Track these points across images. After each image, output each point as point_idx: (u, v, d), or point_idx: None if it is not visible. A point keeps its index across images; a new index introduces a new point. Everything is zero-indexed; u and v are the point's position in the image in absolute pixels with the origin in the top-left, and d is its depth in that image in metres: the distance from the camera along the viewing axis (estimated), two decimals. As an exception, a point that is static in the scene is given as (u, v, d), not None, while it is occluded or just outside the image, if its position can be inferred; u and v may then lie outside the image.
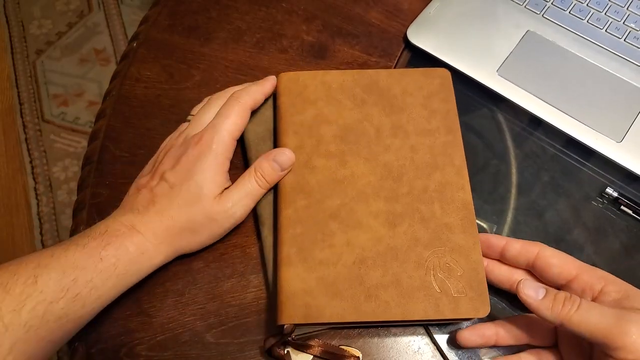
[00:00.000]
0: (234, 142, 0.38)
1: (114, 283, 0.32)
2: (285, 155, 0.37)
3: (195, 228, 0.35)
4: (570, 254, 0.34)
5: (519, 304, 0.38)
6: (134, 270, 0.33)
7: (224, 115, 0.37)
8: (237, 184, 0.37)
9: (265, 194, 0.38)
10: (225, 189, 0.36)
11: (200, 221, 0.35)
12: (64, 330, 0.31)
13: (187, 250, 0.37)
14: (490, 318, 0.37)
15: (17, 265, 0.30)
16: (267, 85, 0.41)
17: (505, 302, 0.38)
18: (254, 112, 0.41)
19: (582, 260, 0.34)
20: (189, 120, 0.40)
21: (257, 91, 0.40)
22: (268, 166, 0.37)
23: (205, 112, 0.39)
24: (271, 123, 0.42)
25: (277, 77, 0.42)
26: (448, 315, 0.33)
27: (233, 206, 0.36)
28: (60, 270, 0.30)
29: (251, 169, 0.37)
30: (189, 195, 0.35)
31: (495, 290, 0.37)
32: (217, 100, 0.39)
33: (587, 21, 0.48)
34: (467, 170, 0.38)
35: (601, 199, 0.42)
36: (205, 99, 0.41)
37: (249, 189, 0.36)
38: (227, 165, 0.37)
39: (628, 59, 0.46)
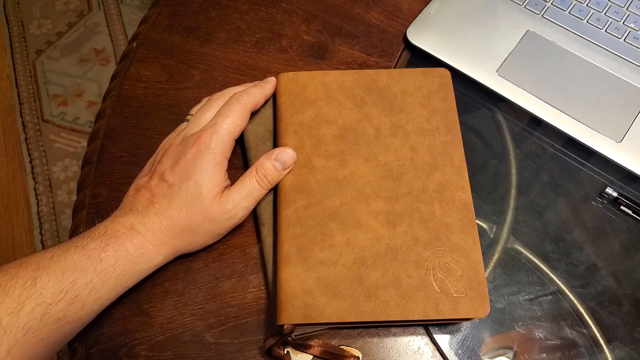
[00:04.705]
0: (233, 142, 0.38)
1: (113, 284, 0.32)
2: (287, 153, 0.37)
3: (195, 228, 0.35)
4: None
5: (519, 304, 0.38)
6: (134, 271, 0.33)
7: (223, 115, 0.37)
8: (238, 184, 0.36)
9: (266, 194, 0.38)
10: (225, 188, 0.36)
11: (199, 222, 0.35)
12: (63, 331, 0.31)
13: (187, 251, 0.37)
14: (490, 319, 0.37)
15: (17, 267, 0.30)
16: (267, 87, 0.41)
17: (506, 302, 0.38)
18: (253, 112, 0.41)
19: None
20: (187, 120, 0.40)
21: (258, 93, 0.40)
22: (270, 165, 0.37)
23: (205, 112, 0.39)
24: (271, 123, 0.41)
25: (276, 77, 0.42)
26: (448, 315, 0.33)
27: (234, 207, 0.36)
28: (59, 272, 0.30)
29: (252, 169, 0.37)
30: (188, 196, 0.35)
31: (496, 290, 0.37)
32: (216, 101, 0.39)
33: (587, 21, 0.48)
34: (466, 170, 0.38)
35: (601, 199, 0.42)
36: (204, 100, 0.41)
37: (250, 190, 0.36)
38: (225, 164, 0.37)
39: (628, 59, 0.46)
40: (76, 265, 0.31)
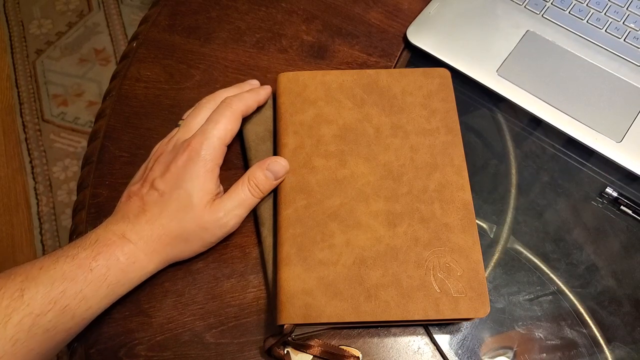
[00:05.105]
0: (224, 148, 0.37)
1: (104, 293, 0.32)
2: (279, 164, 0.37)
3: (187, 237, 0.35)
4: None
5: (519, 304, 0.38)
6: (126, 279, 0.33)
7: (214, 121, 0.36)
8: (230, 192, 0.36)
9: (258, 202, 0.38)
10: (217, 195, 0.36)
11: (191, 230, 0.35)
12: (54, 341, 0.31)
13: (180, 259, 0.36)
14: (490, 319, 0.37)
15: (5, 278, 0.30)
16: (262, 92, 0.40)
17: (506, 302, 0.38)
18: (253, 112, 0.41)
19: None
20: (179, 126, 0.39)
21: (250, 98, 0.39)
22: (261, 175, 0.36)
23: (195, 117, 0.38)
24: (271, 123, 0.42)
25: (277, 77, 0.42)
26: (448, 315, 0.33)
27: (225, 215, 0.35)
28: (48, 282, 0.30)
29: (244, 178, 0.37)
30: (179, 204, 0.34)
31: (496, 290, 0.37)
32: (205, 105, 0.39)
33: (587, 21, 0.48)
34: (467, 170, 0.38)
35: (601, 199, 0.42)
36: (196, 105, 0.41)
37: (242, 198, 0.36)
38: (217, 171, 0.36)
39: (628, 59, 0.46)
40: (66, 275, 0.31)
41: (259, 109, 0.41)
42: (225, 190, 0.37)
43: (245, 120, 0.40)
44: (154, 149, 0.39)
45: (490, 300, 0.34)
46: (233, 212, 0.36)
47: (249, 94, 0.39)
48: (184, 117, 0.40)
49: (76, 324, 0.31)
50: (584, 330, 0.37)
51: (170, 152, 0.36)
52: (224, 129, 0.36)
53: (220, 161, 0.37)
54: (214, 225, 0.35)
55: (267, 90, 0.41)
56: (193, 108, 0.40)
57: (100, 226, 0.34)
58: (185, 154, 0.35)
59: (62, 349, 0.32)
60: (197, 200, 0.34)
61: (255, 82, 0.42)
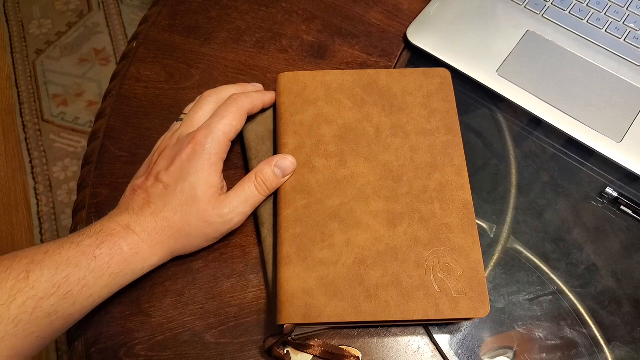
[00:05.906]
0: (229, 143, 0.37)
1: (106, 282, 0.32)
2: (288, 161, 0.37)
3: (190, 231, 0.35)
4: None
5: (519, 304, 0.38)
6: (128, 270, 0.33)
7: (220, 116, 0.37)
8: (236, 189, 0.36)
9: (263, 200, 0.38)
10: (221, 189, 0.36)
11: (195, 224, 0.35)
12: (54, 327, 0.31)
13: (182, 252, 0.37)
14: (490, 319, 0.37)
15: (11, 260, 0.30)
16: (268, 95, 0.41)
17: (506, 302, 0.38)
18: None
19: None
20: (181, 120, 0.40)
21: (257, 98, 0.39)
22: (270, 172, 0.37)
23: (197, 111, 0.38)
24: (271, 123, 0.42)
25: (277, 77, 0.42)
26: (448, 315, 0.33)
27: (230, 212, 0.35)
28: (53, 267, 0.30)
29: (251, 175, 0.37)
30: (184, 197, 0.34)
31: (496, 290, 0.37)
32: (208, 98, 0.39)
33: (587, 21, 0.48)
34: (467, 170, 0.38)
35: (601, 199, 0.42)
36: (197, 98, 0.41)
37: (248, 195, 0.36)
38: (221, 166, 0.36)
39: (628, 59, 0.46)
40: (70, 261, 0.31)
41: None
42: (229, 189, 0.37)
43: (246, 120, 0.41)
44: (158, 143, 0.39)
45: (490, 300, 0.34)
46: (238, 209, 0.36)
47: (256, 94, 0.40)
48: (185, 111, 0.40)
49: (77, 311, 0.32)
50: (584, 330, 0.37)
51: (174, 146, 0.37)
52: (229, 124, 0.37)
53: (224, 156, 0.37)
54: (218, 221, 0.35)
55: (272, 94, 0.41)
56: (195, 102, 0.40)
57: (105, 217, 0.35)
58: (189, 147, 0.35)
59: (59, 336, 0.33)
60: (202, 194, 0.35)
61: (259, 86, 0.43)
